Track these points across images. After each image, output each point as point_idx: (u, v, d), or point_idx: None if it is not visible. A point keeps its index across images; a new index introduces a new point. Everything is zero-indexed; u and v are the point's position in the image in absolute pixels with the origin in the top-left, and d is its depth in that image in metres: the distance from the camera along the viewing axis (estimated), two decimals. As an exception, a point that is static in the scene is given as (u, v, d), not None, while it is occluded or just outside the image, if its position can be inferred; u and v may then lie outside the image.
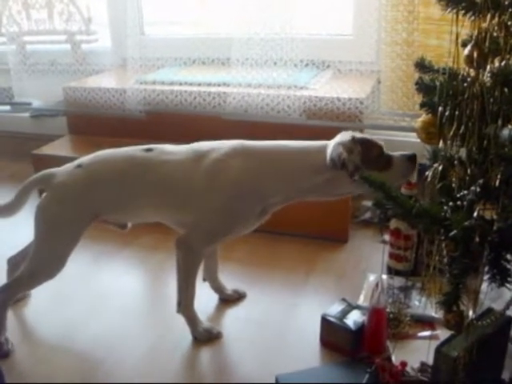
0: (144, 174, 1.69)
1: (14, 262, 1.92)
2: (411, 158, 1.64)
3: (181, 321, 1.75)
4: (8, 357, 1.69)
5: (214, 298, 1.95)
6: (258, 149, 1.68)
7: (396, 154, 1.65)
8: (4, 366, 1.51)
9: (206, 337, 1.75)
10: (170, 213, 1.74)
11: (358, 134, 1.65)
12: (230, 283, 1.96)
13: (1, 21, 3.21)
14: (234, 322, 1.86)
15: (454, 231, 1.17)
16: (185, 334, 1.75)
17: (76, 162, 1.73)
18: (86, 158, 1.74)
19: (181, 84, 2.75)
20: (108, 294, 2.02)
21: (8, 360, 1.56)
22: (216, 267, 1.94)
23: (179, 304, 1.74)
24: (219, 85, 2.68)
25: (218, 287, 1.96)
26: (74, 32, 3.16)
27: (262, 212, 1.68)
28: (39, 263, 1.72)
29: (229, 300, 1.95)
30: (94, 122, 2.91)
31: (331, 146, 1.59)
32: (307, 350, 1.69)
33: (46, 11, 3.17)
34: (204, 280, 1.93)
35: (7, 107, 3.38)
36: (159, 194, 1.69)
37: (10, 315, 1.79)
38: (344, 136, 1.62)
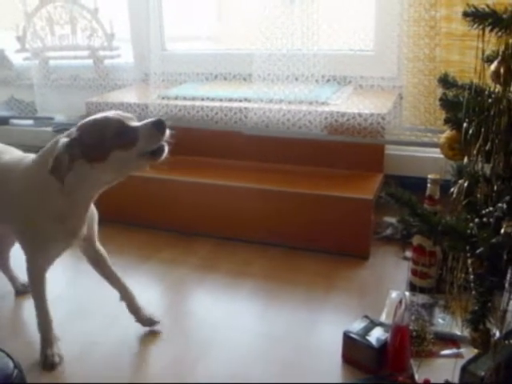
0: None
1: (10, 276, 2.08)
2: (156, 123, 1.49)
3: (200, 336, 1.74)
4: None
5: (232, 313, 1.95)
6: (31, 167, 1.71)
7: (140, 124, 1.51)
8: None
9: (44, 362, 1.71)
10: None
11: (86, 126, 1.53)
12: (247, 298, 1.95)
13: (25, 36, 3.26)
14: (253, 338, 1.84)
15: (481, 248, 1.15)
16: (204, 350, 1.75)
17: None
18: None
19: (202, 99, 2.76)
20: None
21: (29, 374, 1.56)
22: (131, 295, 1.85)
23: None
24: (240, 100, 2.69)
25: (135, 312, 1.87)
26: (97, 47, 3.20)
27: (71, 234, 1.65)
28: None
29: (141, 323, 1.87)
30: (116, 137, 2.93)
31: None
32: (328, 367, 1.67)
33: (69, 27, 3.22)
34: (121, 300, 1.85)
35: (30, 121, 3.41)
36: None
37: (29, 326, 1.80)
38: (71, 134, 1.54)
